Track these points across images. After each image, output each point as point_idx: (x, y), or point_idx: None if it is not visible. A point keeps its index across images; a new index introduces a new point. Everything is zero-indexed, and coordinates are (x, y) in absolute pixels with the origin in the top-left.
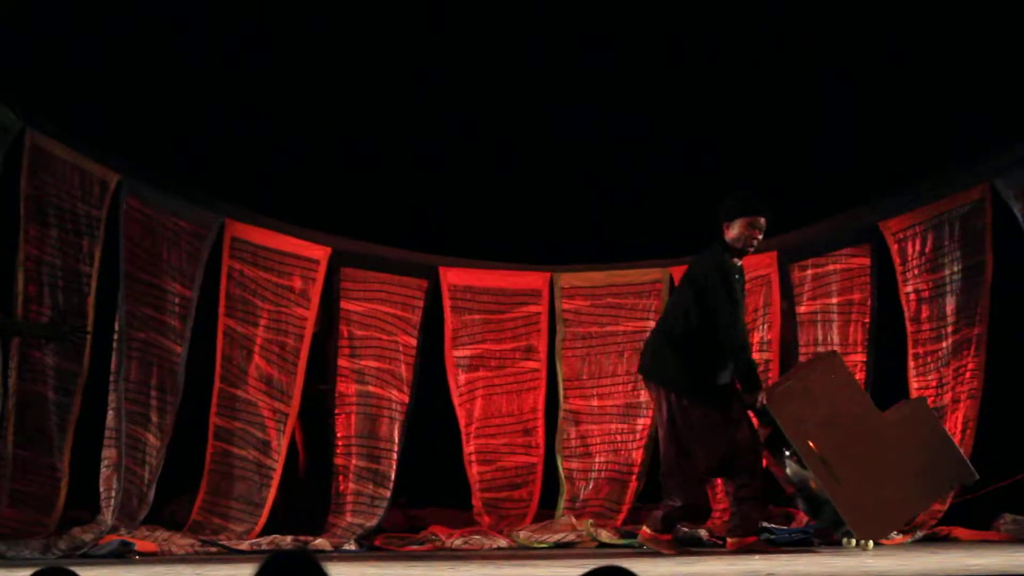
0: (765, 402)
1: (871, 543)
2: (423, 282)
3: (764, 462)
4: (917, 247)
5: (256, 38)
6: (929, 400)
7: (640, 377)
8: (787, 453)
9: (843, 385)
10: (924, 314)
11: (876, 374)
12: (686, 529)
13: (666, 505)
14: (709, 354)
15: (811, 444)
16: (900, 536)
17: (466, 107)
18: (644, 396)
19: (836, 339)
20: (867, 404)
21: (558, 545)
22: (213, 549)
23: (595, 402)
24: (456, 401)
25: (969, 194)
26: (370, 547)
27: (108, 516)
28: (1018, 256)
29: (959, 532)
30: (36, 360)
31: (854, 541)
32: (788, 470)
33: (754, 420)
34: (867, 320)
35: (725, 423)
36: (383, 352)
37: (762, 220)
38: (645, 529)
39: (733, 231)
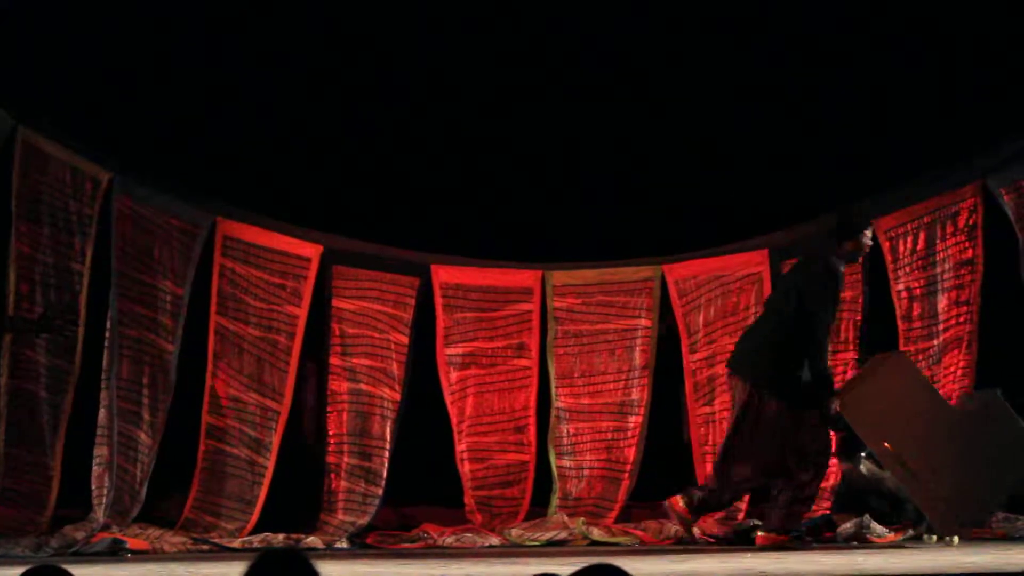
0: (839, 409)
1: (956, 538)
2: (415, 280)
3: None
4: (909, 245)
5: (247, 36)
6: None
7: (632, 375)
8: (862, 455)
9: (913, 383)
10: (915, 312)
11: None
12: (677, 527)
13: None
14: (799, 355)
15: (887, 445)
16: (892, 535)
17: (458, 106)
18: (636, 394)
19: None
20: (938, 400)
21: (550, 543)
22: (205, 547)
23: (587, 400)
24: (448, 399)
25: (961, 192)
26: (362, 545)
27: (100, 514)
28: (1009, 254)
29: None
30: (28, 359)
31: (935, 537)
32: (864, 470)
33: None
34: (859, 318)
35: (797, 425)
36: (375, 350)
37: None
38: (678, 500)
39: (854, 243)
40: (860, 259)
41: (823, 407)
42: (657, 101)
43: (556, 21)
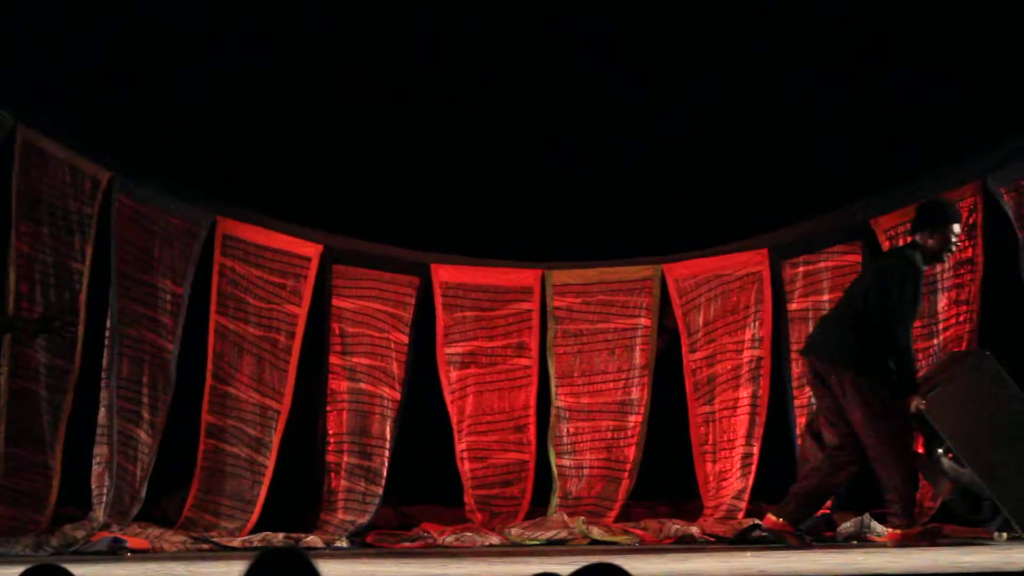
0: (921, 407)
1: None
2: (415, 279)
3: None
4: None
5: (247, 35)
6: None
7: (632, 374)
8: (940, 451)
9: (993, 381)
10: None
11: None
12: (677, 526)
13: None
14: (885, 346)
15: (967, 443)
16: (891, 533)
17: (458, 105)
18: (636, 393)
19: None
20: (1019, 397)
21: (550, 542)
22: (205, 546)
23: (586, 399)
24: (448, 398)
25: (960, 192)
26: (362, 544)
27: (100, 513)
28: (1009, 253)
29: (951, 529)
30: (28, 358)
31: (1006, 535)
32: (945, 466)
33: None
34: None
35: (880, 416)
36: (375, 349)
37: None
38: (898, 532)
39: (938, 237)
40: (950, 257)
41: (905, 404)
42: (657, 100)
43: (556, 20)
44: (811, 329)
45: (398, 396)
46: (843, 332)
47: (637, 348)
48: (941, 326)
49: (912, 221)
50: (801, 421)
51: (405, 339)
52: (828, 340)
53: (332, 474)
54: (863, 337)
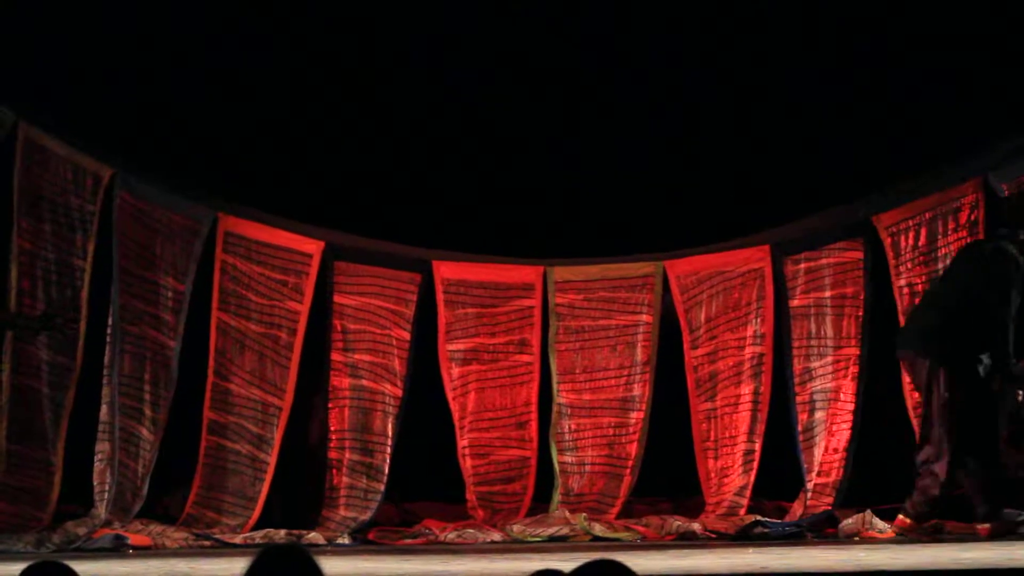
0: (1018, 399)
1: None
2: (416, 276)
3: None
4: (910, 241)
5: (249, 32)
6: None
7: (634, 371)
8: None
9: None
10: None
11: (870, 368)
12: (679, 523)
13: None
14: (997, 343)
15: None
16: (890, 530)
17: (459, 101)
18: (637, 390)
19: (830, 332)
20: None
21: (552, 539)
22: (207, 543)
23: (588, 396)
24: (449, 395)
25: (962, 188)
26: (364, 541)
27: (101, 510)
28: None
29: (952, 525)
30: (30, 354)
31: None
32: None
33: None
34: (860, 314)
35: (953, 409)
36: (376, 346)
37: None
38: (907, 521)
39: None
40: None
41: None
42: (658, 97)
43: (556, 20)
44: (813, 326)
45: (400, 393)
46: (933, 326)
47: (639, 344)
48: None
49: (1005, 216)
50: (803, 418)
51: (407, 336)
52: (919, 334)
53: (334, 471)
54: (957, 331)
